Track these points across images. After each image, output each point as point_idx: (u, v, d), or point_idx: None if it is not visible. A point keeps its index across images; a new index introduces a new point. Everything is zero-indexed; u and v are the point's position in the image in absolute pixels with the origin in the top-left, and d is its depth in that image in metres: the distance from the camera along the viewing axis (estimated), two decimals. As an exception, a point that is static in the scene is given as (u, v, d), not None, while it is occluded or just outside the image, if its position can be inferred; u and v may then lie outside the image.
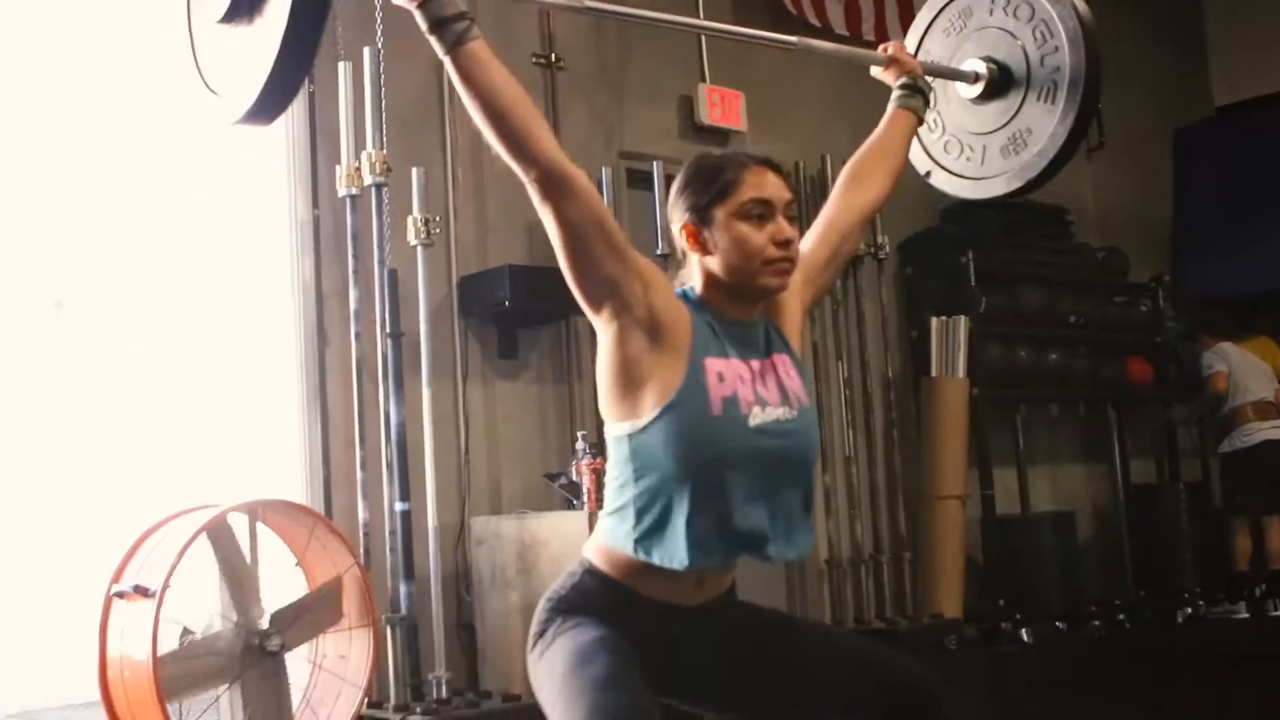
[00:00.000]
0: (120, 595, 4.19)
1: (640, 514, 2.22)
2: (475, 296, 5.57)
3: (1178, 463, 8.69)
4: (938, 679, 2.35)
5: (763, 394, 2.28)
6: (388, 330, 5.01)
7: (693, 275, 2.37)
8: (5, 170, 4.72)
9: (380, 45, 5.00)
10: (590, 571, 2.30)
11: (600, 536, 2.30)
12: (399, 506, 4.90)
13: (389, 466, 4.92)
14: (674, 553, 2.19)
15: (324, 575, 4.55)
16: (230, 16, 2.32)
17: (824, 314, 6.91)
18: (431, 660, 4.86)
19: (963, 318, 7.17)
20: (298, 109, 5.32)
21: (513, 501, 5.64)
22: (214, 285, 5.17)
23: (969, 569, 7.16)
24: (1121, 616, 7.50)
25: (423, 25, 2.11)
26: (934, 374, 7.16)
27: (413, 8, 2.11)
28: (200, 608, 4.23)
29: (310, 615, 4.39)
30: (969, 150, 3.35)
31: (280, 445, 5.22)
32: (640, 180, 6.12)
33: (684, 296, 2.33)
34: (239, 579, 4.24)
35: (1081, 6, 3.14)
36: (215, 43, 2.43)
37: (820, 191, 6.96)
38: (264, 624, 4.24)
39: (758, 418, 2.24)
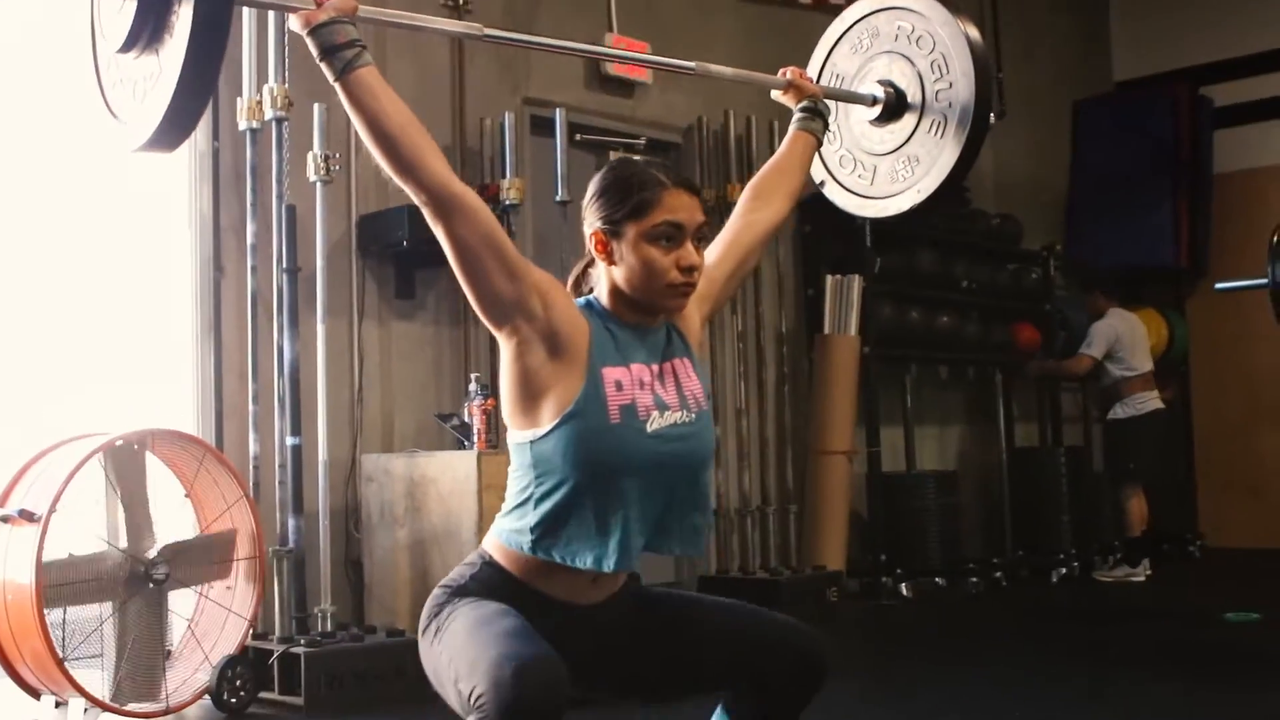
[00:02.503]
0: (4, 520, 4.19)
1: (539, 516, 2.27)
2: (373, 235, 5.58)
3: (1060, 428, 8.92)
4: (824, 642, 2.44)
5: (662, 397, 2.34)
6: (284, 266, 5.02)
7: (599, 280, 2.41)
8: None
9: (286, -22, 4.98)
10: (490, 564, 2.34)
11: (498, 535, 2.34)
12: (290, 441, 4.93)
13: (281, 401, 4.94)
14: (571, 553, 2.26)
15: (213, 507, 4.58)
16: (128, 47, 2.31)
17: (721, 268, 6.97)
18: (318, 594, 4.91)
19: (857, 277, 7.28)
20: (201, 39, 5.28)
21: (404, 440, 5.69)
22: (111, 214, 5.13)
23: (853, 524, 7.31)
24: (999, 574, 7.67)
25: (314, 52, 2.16)
26: (826, 331, 7.27)
27: (304, 34, 2.16)
28: (86, 537, 4.23)
29: (200, 556, 4.41)
30: (861, 168, 3.42)
31: (172, 376, 5.21)
32: (543, 127, 6.14)
33: (587, 306, 2.38)
34: (133, 503, 4.26)
35: (978, 46, 3.20)
36: (118, 70, 2.42)
37: (722, 147, 7.04)
38: (151, 555, 4.26)
39: (655, 423, 2.30)
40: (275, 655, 4.53)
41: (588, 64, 6.68)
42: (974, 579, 7.47)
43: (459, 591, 2.32)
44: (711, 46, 7.00)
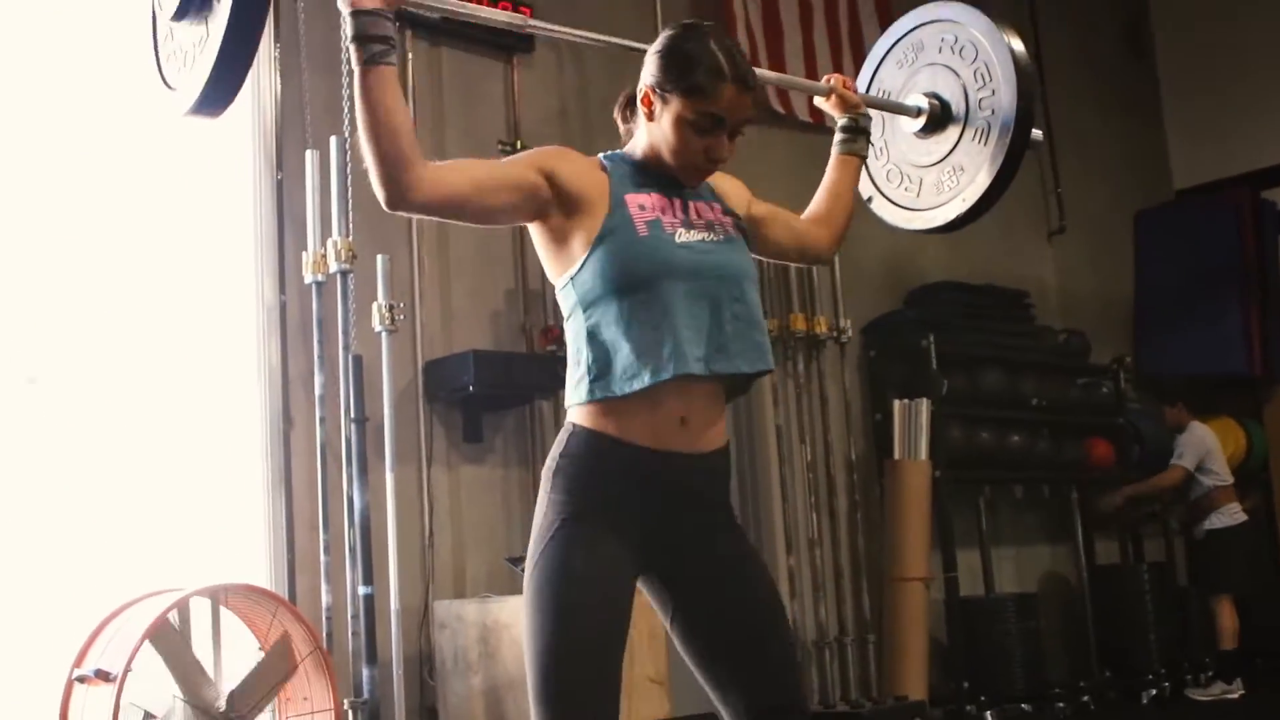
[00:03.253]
0: (82, 680, 4.21)
1: (593, 352, 2.32)
2: (440, 381, 5.62)
3: (1141, 544, 8.75)
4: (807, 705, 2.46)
5: (688, 218, 2.42)
6: (352, 415, 5.05)
7: (638, 130, 2.50)
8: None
9: (347, 134, 5.07)
10: (575, 431, 2.37)
11: (570, 401, 2.39)
12: (362, 590, 4.92)
13: (352, 550, 4.94)
14: (629, 377, 2.30)
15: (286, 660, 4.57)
16: (181, 13, 2.54)
17: (787, 397, 6.97)
18: (394, 744, 4.87)
19: (925, 400, 7.23)
20: (265, 195, 5.40)
21: (476, 585, 5.66)
22: (182, 368, 5.21)
23: (933, 651, 7.17)
24: (1086, 698, 7.51)
25: (348, 32, 2.23)
26: (897, 456, 7.21)
27: (346, 12, 2.23)
28: (162, 691, 4.24)
29: (264, 677, 4.39)
30: (908, 181, 3.44)
31: (244, 528, 5.24)
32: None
33: (608, 156, 2.49)
34: (185, 670, 4.25)
35: (1020, 53, 3.22)
36: (172, 40, 2.65)
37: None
38: (221, 705, 4.25)
39: (683, 237, 2.38)
40: (352, 810, 4.48)
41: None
42: (1060, 704, 7.31)
43: (557, 486, 2.35)
44: (770, 175, 7.04)
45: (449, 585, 5.61)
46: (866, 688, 7.00)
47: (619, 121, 2.64)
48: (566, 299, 2.39)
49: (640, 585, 2.42)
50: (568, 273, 2.37)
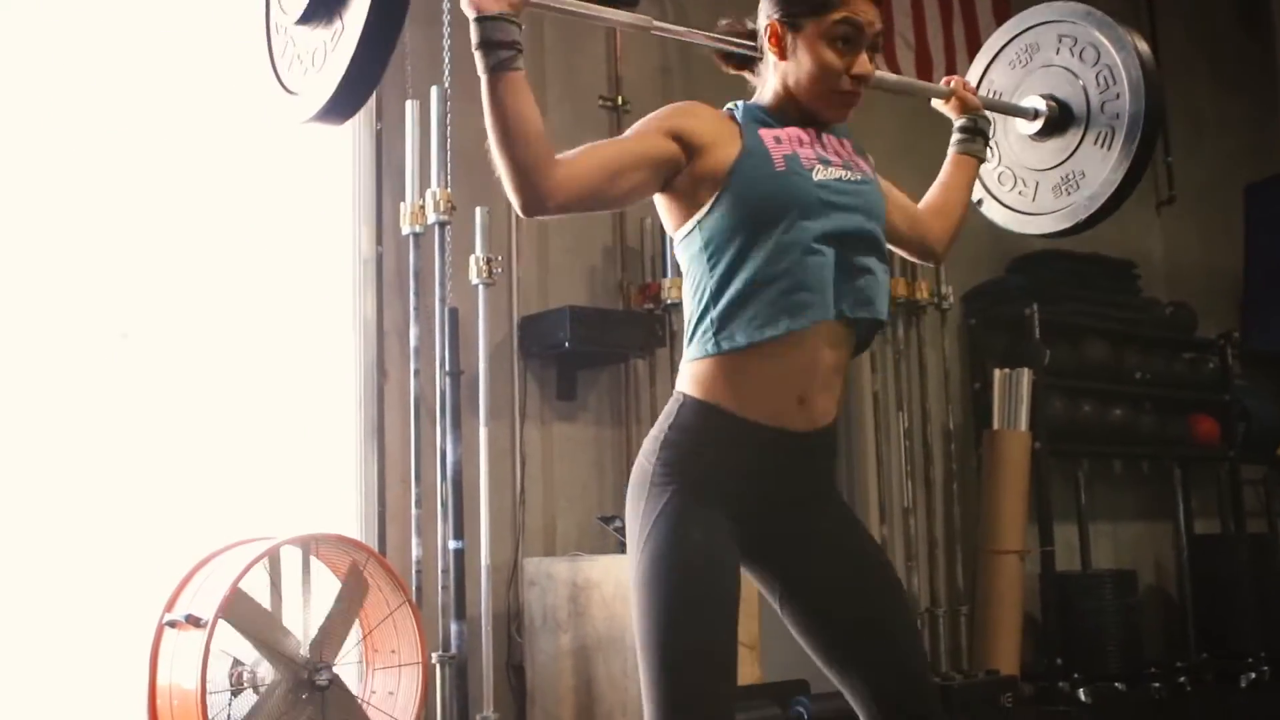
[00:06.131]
0: (172, 624, 4.22)
1: (721, 302, 2.22)
2: (535, 337, 5.58)
3: (1244, 522, 8.53)
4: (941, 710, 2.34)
5: (824, 154, 2.30)
6: (447, 368, 5.02)
7: (764, 78, 2.40)
8: (76, 201, 4.77)
9: (448, 85, 5.04)
10: (686, 403, 2.27)
11: (688, 362, 2.29)
12: (453, 545, 4.89)
13: (444, 504, 4.92)
14: (760, 324, 2.19)
15: (375, 611, 4.56)
16: (308, 18, 2.39)
17: (885, 364, 6.86)
18: (480, 700, 4.85)
19: (1026, 370, 7.09)
20: (364, 146, 5.37)
21: (567, 543, 5.63)
22: (277, 319, 5.20)
23: (1027, 626, 7.06)
24: (1182, 679, 7.36)
25: (474, 39, 2.16)
26: (995, 427, 7.08)
27: (471, 17, 2.16)
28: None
29: (341, 613, 4.38)
30: (1022, 184, 3.37)
31: (336, 480, 5.23)
32: None
33: (735, 106, 2.39)
34: (264, 620, 4.24)
35: (1147, 57, 3.13)
36: (293, 43, 2.51)
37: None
38: (304, 652, 4.24)
39: (820, 174, 2.26)
40: (438, 764, 4.47)
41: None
42: (1156, 684, 7.17)
43: (663, 459, 2.24)
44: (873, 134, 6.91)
45: (539, 543, 5.58)
46: (957, 660, 6.89)
47: (727, 70, 2.54)
48: (689, 247, 2.29)
49: (744, 566, 2.33)
50: (694, 218, 2.26)
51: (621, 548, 5.06)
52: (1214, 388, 8.34)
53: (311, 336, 5.30)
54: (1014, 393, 7.07)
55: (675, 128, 2.25)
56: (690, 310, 2.29)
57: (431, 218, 4.94)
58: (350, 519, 5.17)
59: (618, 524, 5.16)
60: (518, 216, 5.58)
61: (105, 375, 4.79)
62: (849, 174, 2.31)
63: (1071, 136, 3.24)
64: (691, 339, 2.28)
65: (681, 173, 2.25)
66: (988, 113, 3.02)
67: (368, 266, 5.34)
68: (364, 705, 4.48)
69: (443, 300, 5.05)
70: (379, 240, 5.33)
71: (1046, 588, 7.14)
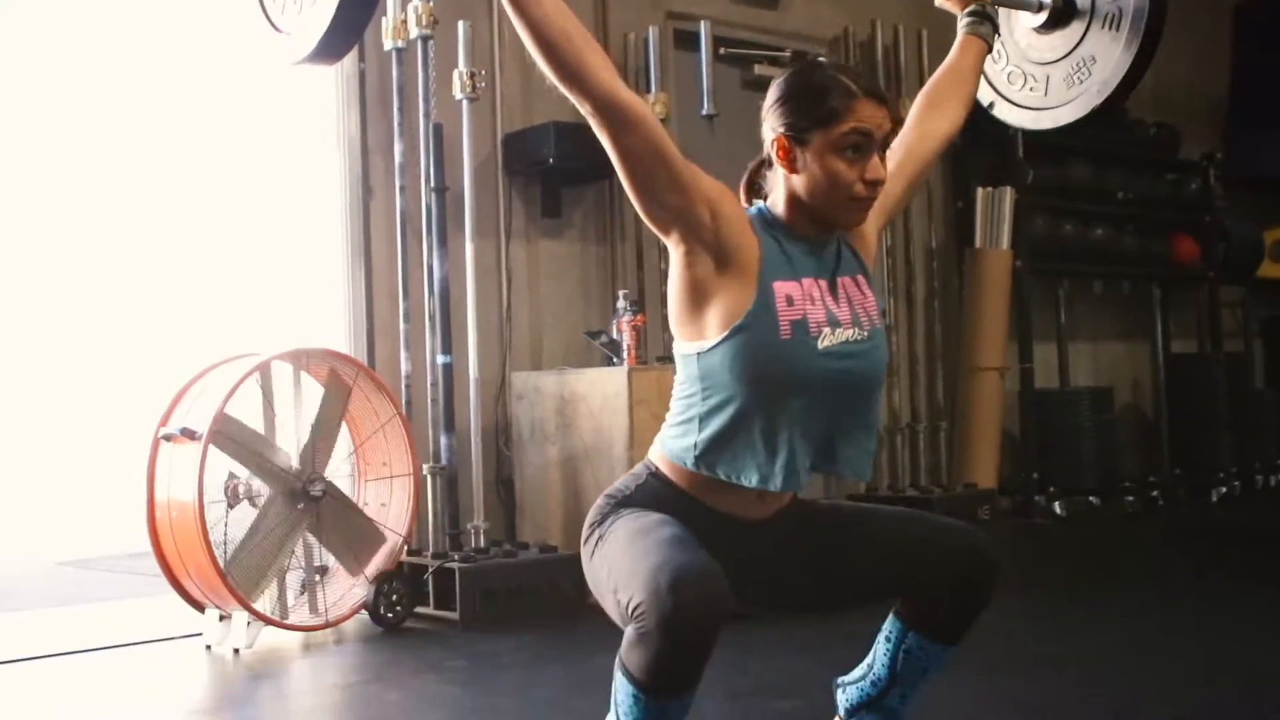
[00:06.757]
0: (167, 439, 4.29)
1: (705, 433, 2.24)
2: (519, 153, 5.57)
3: (1220, 342, 8.63)
4: (992, 546, 2.39)
5: (834, 313, 2.27)
6: (432, 184, 5.03)
7: (775, 187, 2.34)
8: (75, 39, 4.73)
9: (430, -106, 4.96)
10: (656, 475, 2.32)
11: (663, 448, 2.32)
12: (441, 359, 4.95)
13: (431, 319, 4.96)
14: (737, 471, 2.23)
15: (367, 425, 4.63)
16: None
17: (869, 182, 6.86)
18: (470, 511, 4.96)
19: (1009, 189, 7.11)
20: (345, -40, 5.29)
21: (553, 358, 5.70)
22: (261, 137, 5.18)
23: (1005, 441, 7.19)
24: (1155, 493, 7.52)
25: None
26: (978, 245, 7.13)
27: None
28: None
29: (327, 419, 4.45)
30: (1032, 80, 3.34)
31: (324, 297, 5.27)
32: (687, 41, 6.06)
33: (758, 215, 2.32)
34: (288, 421, 4.31)
35: None
36: None
37: (868, 59, 6.90)
38: (295, 464, 4.32)
39: (827, 340, 2.23)
40: (430, 571, 4.59)
41: (731, -24, 6.57)
42: (1129, 498, 7.34)
43: (623, 502, 2.30)
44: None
45: (526, 358, 5.64)
46: (937, 474, 7.04)
47: (744, 199, 2.44)
48: (687, 365, 2.27)
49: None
50: (696, 344, 2.24)
51: (607, 361, 5.13)
52: (1195, 208, 8.38)
53: (296, 154, 5.29)
54: (996, 211, 7.10)
55: (715, 197, 2.21)
56: (677, 411, 2.31)
57: (414, 32, 4.89)
58: (339, 336, 5.22)
59: (604, 338, 5.22)
60: (501, 31, 5.60)
61: (98, 194, 4.79)
62: (856, 332, 2.28)
63: (1078, 24, 3.21)
64: (675, 434, 2.30)
65: (701, 255, 2.21)
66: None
67: (350, 83, 5.30)
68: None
69: (427, 115, 5.02)
70: (361, 57, 5.27)
71: (1025, 404, 7.27)
